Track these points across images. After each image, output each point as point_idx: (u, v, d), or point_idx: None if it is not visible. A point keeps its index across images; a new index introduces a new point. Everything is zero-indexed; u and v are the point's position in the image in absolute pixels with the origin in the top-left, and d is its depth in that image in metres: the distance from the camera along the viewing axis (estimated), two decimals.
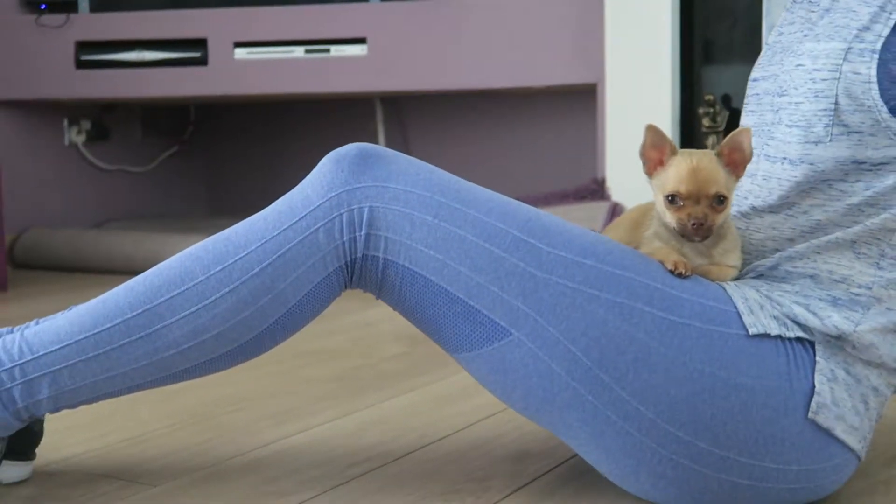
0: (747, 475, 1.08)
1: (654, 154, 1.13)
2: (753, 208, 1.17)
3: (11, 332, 1.20)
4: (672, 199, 1.10)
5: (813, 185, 1.11)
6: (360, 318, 2.31)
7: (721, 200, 1.10)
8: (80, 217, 3.45)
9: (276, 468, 1.31)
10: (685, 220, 1.09)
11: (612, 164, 2.82)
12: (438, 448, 1.38)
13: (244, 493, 1.22)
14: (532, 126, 3.38)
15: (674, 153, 1.12)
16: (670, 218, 1.11)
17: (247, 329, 1.13)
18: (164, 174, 3.74)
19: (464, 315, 1.10)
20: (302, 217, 1.12)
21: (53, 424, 1.36)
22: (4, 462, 1.23)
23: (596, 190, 2.87)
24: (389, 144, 3.47)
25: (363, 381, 1.76)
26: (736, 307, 1.09)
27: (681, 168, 1.10)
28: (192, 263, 1.14)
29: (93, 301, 1.17)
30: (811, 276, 1.11)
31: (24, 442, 1.25)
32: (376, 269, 1.13)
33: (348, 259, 1.12)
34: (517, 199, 1.19)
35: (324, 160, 1.16)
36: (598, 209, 2.77)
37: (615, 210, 2.75)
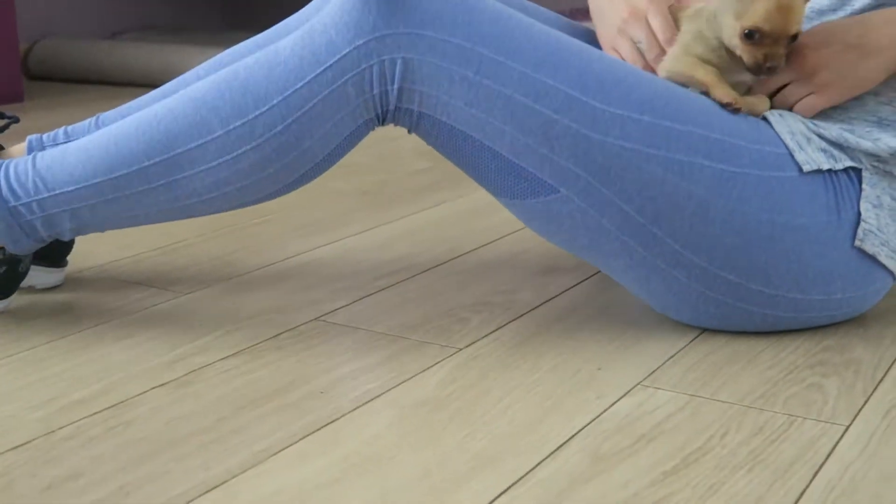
0: (792, 308, 1.08)
1: None
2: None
3: (24, 160, 1.17)
4: (751, 34, 1.01)
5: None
6: (384, 134, 2.28)
7: (795, 38, 1.03)
8: (94, 28, 3.38)
9: (305, 278, 1.32)
10: (761, 61, 1.02)
11: None
12: (466, 261, 1.39)
13: (274, 300, 1.23)
14: None
15: None
16: (743, 52, 1.03)
17: (272, 182, 1.08)
18: None
19: (508, 169, 1.06)
20: (328, 66, 1.02)
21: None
22: (37, 268, 1.24)
23: None
24: None
25: (389, 196, 1.76)
26: (787, 146, 1.06)
27: (770, 2, 1.00)
28: (209, 114, 1.05)
29: (103, 140, 1.10)
30: (856, 98, 1.08)
31: (55, 250, 1.26)
32: (410, 118, 1.06)
33: (379, 112, 1.05)
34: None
35: None
36: None
37: None
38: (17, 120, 1.30)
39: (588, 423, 0.93)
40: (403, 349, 1.10)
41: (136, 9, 3.50)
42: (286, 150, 1.05)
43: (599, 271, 1.32)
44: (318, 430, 0.92)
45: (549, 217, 1.08)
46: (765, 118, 1.09)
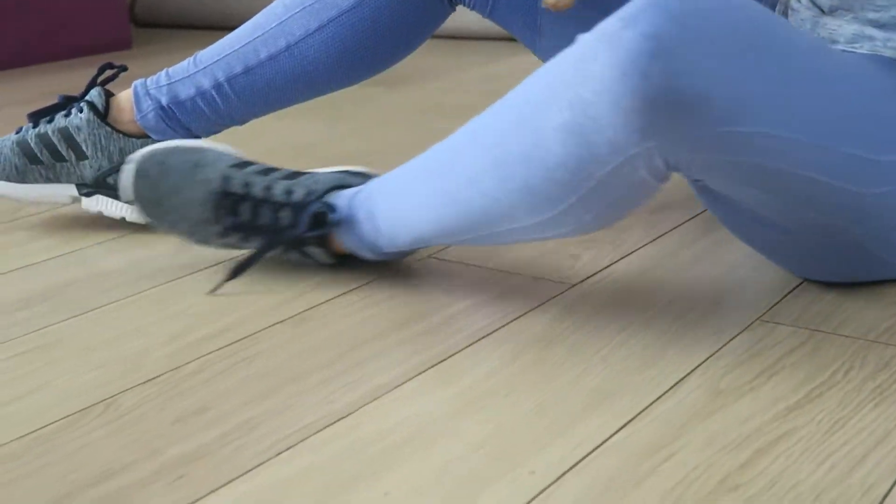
0: None
1: None
2: None
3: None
4: None
5: None
6: (485, 72, 2.27)
7: None
8: None
9: None
10: None
11: None
12: None
13: None
14: None
15: None
16: None
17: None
18: None
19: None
20: (614, 166, 0.89)
21: None
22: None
23: None
24: None
25: None
26: None
27: None
28: (510, 211, 0.96)
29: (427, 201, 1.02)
30: None
31: None
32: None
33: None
34: None
35: (617, 72, 0.85)
36: None
37: None
38: (125, 69, 1.34)
39: (706, 359, 0.92)
40: (516, 285, 1.10)
41: None
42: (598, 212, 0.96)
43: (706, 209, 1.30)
44: (434, 365, 0.93)
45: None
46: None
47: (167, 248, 1.25)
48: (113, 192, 1.30)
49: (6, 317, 1.07)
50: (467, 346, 0.96)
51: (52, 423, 0.85)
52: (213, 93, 1.28)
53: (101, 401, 0.88)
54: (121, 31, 2.81)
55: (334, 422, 0.84)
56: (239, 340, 0.99)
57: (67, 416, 0.86)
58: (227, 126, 1.32)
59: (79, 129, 1.28)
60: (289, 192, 1.09)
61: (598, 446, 0.79)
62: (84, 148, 1.28)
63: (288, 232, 1.09)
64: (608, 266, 1.15)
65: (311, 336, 1.00)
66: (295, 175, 1.12)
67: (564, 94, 0.89)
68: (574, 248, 1.20)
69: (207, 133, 1.32)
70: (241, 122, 1.31)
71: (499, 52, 2.53)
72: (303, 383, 0.90)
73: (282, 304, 1.07)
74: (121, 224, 1.35)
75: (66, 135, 1.28)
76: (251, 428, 0.83)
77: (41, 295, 1.12)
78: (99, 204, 1.31)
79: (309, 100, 1.31)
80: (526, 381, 0.89)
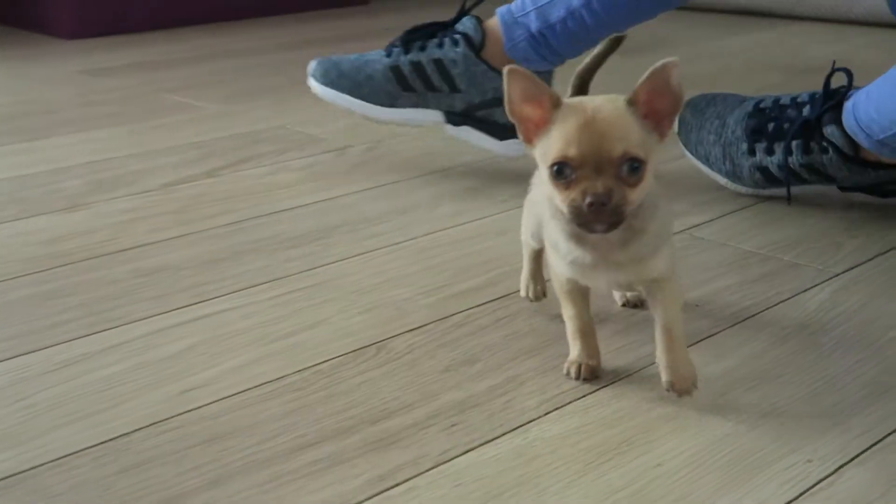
0: None
1: (529, 111, 0.76)
2: None
3: None
4: (559, 169, 0.73)
5: None
6: (718, 46, 2.22)
7: (635, 167, 0.73)
8: None
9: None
10: (579, 201, 0.73)
11: None
12: None
13: None
14: None
15: (558, 105, 0.75)
16: (560, 200, 0.74)
17: None
18: None
19: None
20: None
21: None
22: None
23: None
24: None
25: None
26: None
27: (568, 123, 0.74)
28: None
29: None
30: None
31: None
32: None
33: None
34: None
35: None
36: None
37: None
38: None
39: None
40: (778, 269, 1.07)
41: None
42: None
43: None
44: (702, 339, 0.92)
45: None
46: None
47: (424, 204, 1.28)
48: (480, 124, 1.34)
49: (282, 253, 1.13)
50: (732, 325, 0.95)
51: (331, 359, 0.89)
52: (583, 10, 1.26)
53: (374, 343, 0.92)
54: None
55: (598, 389, 0.84)
56: (501, 297, 1.01)
57: (344, 353, 0.90)
58: (587, 49, 1.26)
59: (454, 62, 1.31)
60: None
61: (880, 440, 0.76)
62: (458, 82, 1.32)
63: None
64: (875, 256, 1.10)
65: None
66: None
67: None
68: (839, 235, 1.16)
69: (573, 57, 1.29)
70: (595, 43, 1.23)
71: (732, 27, 2.47)
72: (565, 346, 0.91)
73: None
74: (378, 173, 1.39)
75: (440, 67, 1.31)
76: (519, 384, 0.85)
77: (311, 234, 1.17)
78: (465, 133, 1.35)
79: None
80: (797, 365, 0.87)
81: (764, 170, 1.24)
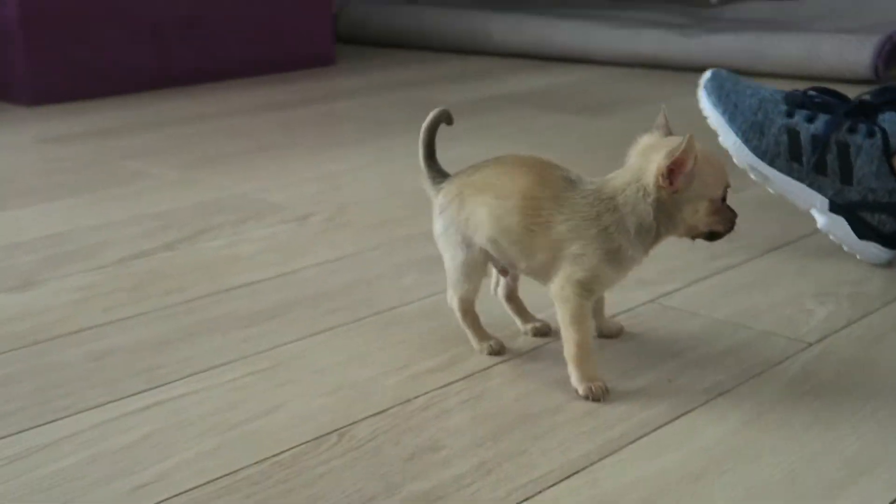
0: None
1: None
2: None
3: None
4: (724, 198, 0.95)
5: None
6: (685, 104, 2.22)
7: None
8: None
9: None
10: (733, 217, 0.96)
11: None
12: (805, 245, 1.32)
13: None
14: None
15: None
16: (716, 222, 0.95)
17: None
18: None
19: None
20: None
21: None
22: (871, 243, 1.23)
23: None
24: None
25: None
26: None
27: (713, 163, 0.94)
28: None
29: None
30: None
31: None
32: None
33: None
34: None
35: None
36: None
37: None
38: None
39: None
40: (748, 340, 1.05)
41: None
42: None
43: None
44: (672, 420, 0.89)
45: None
46: None
47: (386, 269, 1.26)
48: (860, 226, 1.22)
49: (238, 332, 1.09)
50: (705, 403, 0.92)
51: (291, 448, 0.86)
52: None
53: (336, 430, 0.89)
54: (326, 47, 2.88)
55: (571, 474, 0.81)
56: (465, 377, 0.98)
57: (305, 442, 0.87)
58: None
59: (859, 150, 1.20)
60: None
61: None
62: (853, 175, 1.20)
63: None
64: (848, 325, 1.08)
65: (536, 376, 0.97)
66: None
67: None
68: (808, 301, 1.15)
69: None
70: None
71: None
72: (534, 427, 0.88)
73: (509, 338, 1.05)
74: (340, 243, 1.36)
75: (842, 151, 1.20)
76: (487, 472, 0.82)
77: (269, 311, 1.14)
78: (837, 228, 1.24)
79: None
80: (772, 445, 0.85)
81: (793, 134, 1.21)
